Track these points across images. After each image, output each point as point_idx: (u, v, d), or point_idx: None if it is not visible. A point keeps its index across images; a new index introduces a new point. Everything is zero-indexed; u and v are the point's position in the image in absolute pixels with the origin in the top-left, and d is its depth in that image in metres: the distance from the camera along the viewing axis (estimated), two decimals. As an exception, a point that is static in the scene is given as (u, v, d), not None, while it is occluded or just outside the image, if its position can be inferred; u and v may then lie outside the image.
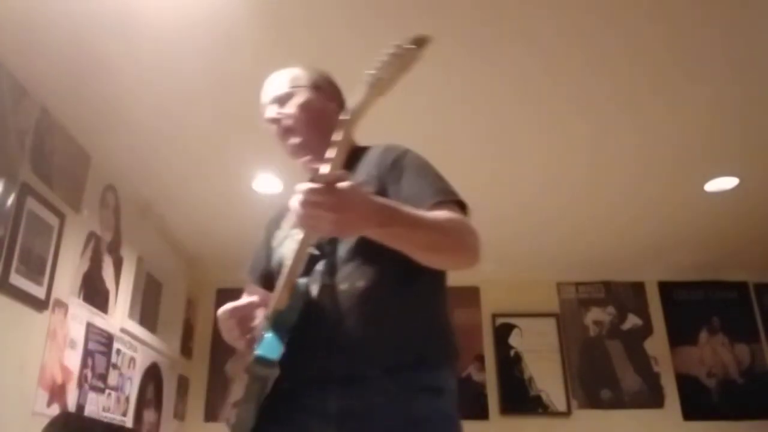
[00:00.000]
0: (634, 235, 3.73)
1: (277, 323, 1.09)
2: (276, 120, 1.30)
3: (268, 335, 1.08)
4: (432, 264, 1.09)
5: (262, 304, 1.16)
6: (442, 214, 1.08)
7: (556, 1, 1.97)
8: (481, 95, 2.44)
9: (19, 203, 2.20)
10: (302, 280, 1.13)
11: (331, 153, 0.95)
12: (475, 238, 1.09)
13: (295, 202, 0.92)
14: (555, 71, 2.29)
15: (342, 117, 0.95)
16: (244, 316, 1.14)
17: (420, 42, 0.78)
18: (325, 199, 0.89)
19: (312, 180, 0.91)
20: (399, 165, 1.19)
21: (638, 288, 4.34)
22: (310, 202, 0.90)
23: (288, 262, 1.16)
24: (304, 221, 0.93)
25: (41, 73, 2.24)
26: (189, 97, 2.41)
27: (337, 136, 0.95)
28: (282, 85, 1.33)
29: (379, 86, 0.85)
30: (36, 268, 2.29)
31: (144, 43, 2.11)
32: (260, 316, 1.15)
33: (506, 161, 2.94)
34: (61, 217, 2.47)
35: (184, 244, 3.86)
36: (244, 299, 1.18)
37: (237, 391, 1.15)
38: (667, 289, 4.33)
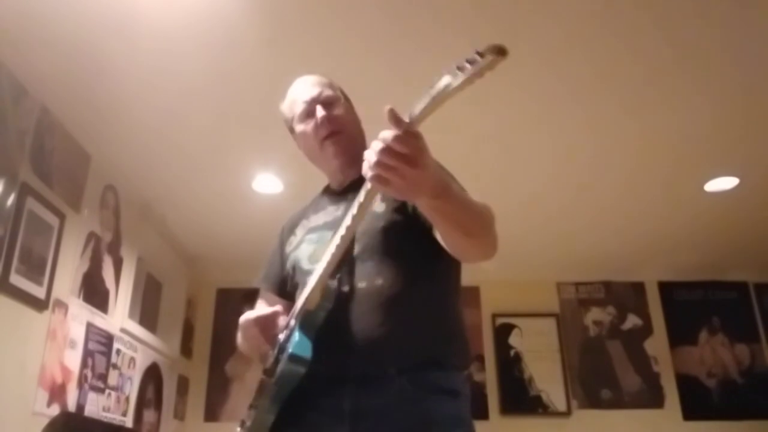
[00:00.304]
0: (634, 235, 3.73)
1: (305, 323, 1.09)
2: (330, 119, 1.27)
3: (296, 335, 1.08)
4: (458, 247, 1.07)
5: (284, 312, 1.17)
6: (478, 201, 1.07)
7: (556, 2, 1.98)
8: (481, 95, 2.44)
9: (19, 203, 2.20)
10: (334, 282, 1.13)
11: None
12: (495, 230, 1.08)
13: (372, 151, 0.86)
14: (555, 71, 2.29)
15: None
16: (267, 324, 1.14)
17: (500, 51, 0.72)
18: (411, 152, 0.84)
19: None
20: None
21: (638, 288, 4.34)
22: (392, 151, 0.84)
23: (305, 265, 1.17)
24: (378, 169, 0.85)
25: (41, 73, 2.24)
26: (189, 96, 2.41)
27: None
28: (327, 89, 1.32)
29: (445, 94, 0.79)
30: (36, 268, 2.29)
31: (145, 43, 2.11)
32: (281, 324, 1.15)
33: (506, 161, 2.94)
34: (61, 217, 2.47)
35: (184, 244, 3.86)
36: (267, 309, 1.18)
37: (255, 393, 1.14)
38: (667, 289, 4.33)
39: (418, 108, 0.82)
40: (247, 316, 1.17)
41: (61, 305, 2.46)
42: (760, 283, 4.30)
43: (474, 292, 4.25)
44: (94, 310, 2.75)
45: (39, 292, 2.30)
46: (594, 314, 4.29)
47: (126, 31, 2.06)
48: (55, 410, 2.37)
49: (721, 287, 4.32)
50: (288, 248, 1.35)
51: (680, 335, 4.20)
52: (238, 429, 1.16)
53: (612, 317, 4.28)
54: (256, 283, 1.42)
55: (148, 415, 3.40)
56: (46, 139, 2.41)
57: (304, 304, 1.10)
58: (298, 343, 1.06)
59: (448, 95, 0.79)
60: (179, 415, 3.89)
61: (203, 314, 4.23)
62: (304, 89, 1.33)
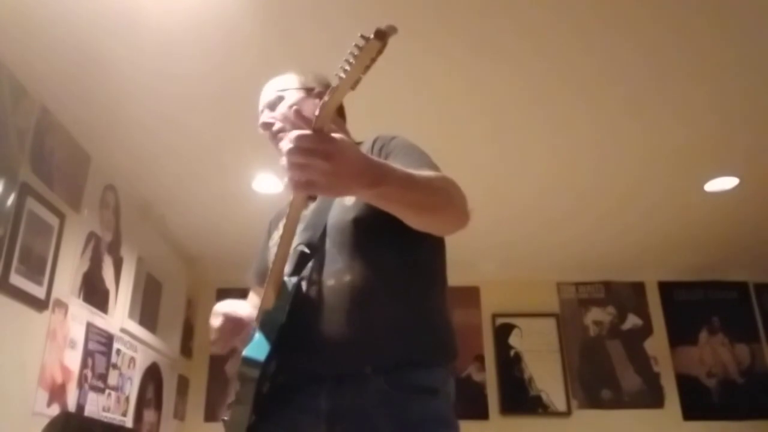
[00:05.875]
0: (634, 235, 3.72)
1: (264, 323, 1.08)
2: (267, 124, 1.32)
3: (257, 335, 1.07)
4: (424, 226, 1.05)
5: (247, 322, 1.18)
6: (430, 172, 1.05)
7: (562, 1, 1.97)
8: (485, 96, 2.44)
9: (19, 203, 2.20)
10: (291, 279, 1.11)
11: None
12: (462, 196, 1.05)
13: (284, 153, 0.83)
14: (557, 74, 2.29)
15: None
16: (227, 334, 1.17)
17: (380, 35, 0.70)
18: (319, 146, 0.81)
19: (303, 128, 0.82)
20: (386, 149, 1.19)
21: (638, 288, 4.34)
22: (302, 149, 0.81)
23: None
24: (293, 172, 0.83)
25: (41, 73, 2.23)
26: (189, 97, 2.41)
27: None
28: (271, 92, 1.35)
29: (342, 86, 0.78)
30: (36, 268, 2.29)
31: (144, 43, 2.11)
32: (247, 326, 1.16)
33: (507, 162, 2.93)
34: (61, 217, 2.47)
35: (184, 244, 3.86)
36: (232, 305, 1.20)
37: (232, 391, 1.15)
38: (667, 289, 4.33)
39: (320, 105, 0.82)
40: (214, 321, 1.19)
41: (61, 305, 2.46)
42: (760, 283, 4.30)
43: (474, 292, 4.25)
44: (94, 310, 2.75)
45: (39, 292, 2.30)
46: (594, 314, 4.29)
47: (126, 32, 2.06)
48: (55, 410, 2.37)
49: (721, 287, 4.31)
50: (270, 242, 1.34)
51: (680, 335, 4.20)
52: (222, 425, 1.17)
53: (612, 317, 4.28)
54: (248, 278, 1.42)
55: (148, 415, 3.40)
56: (46, 139, 2.41)
57: (261, 303, 1.10)
58: (253, 344, 1.05)
59: (345, 87, 0.78)
60: (179, 415, 3.89)
61: (203, 314, 4.23)
62: (261, 98, 1.38)
